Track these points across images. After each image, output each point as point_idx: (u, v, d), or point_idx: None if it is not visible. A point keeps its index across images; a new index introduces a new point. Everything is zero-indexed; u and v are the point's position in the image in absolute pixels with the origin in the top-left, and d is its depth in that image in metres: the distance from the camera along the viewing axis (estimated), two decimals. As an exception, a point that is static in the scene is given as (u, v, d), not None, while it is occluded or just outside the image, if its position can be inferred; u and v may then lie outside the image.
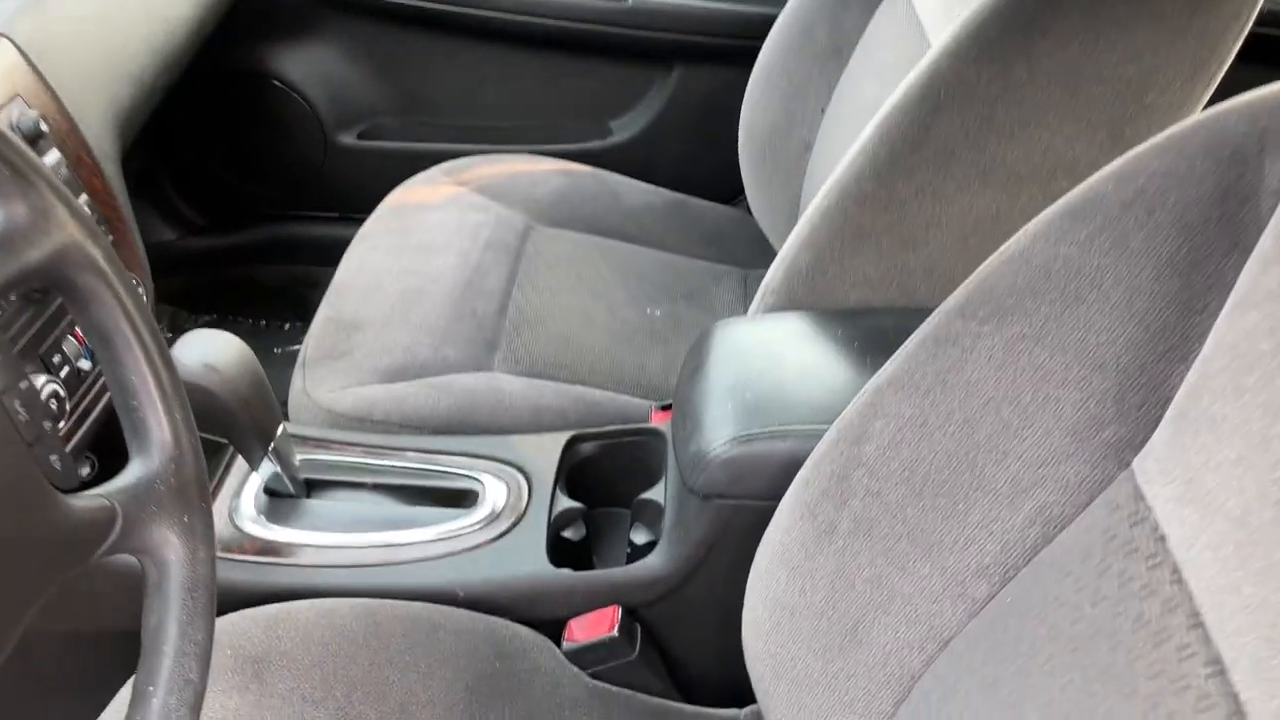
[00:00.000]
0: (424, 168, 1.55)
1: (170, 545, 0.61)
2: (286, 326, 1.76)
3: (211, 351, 0.89)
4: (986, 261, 0.68)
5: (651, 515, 0.98)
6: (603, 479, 1.06)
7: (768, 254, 1.49)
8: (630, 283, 1.38)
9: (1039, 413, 0.64)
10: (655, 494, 0.98)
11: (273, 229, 1.78)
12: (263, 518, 0.97)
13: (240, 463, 1.03)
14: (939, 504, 0.69)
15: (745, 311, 1.39)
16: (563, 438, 1.05)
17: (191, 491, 0.62)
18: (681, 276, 1.42)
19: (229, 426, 0.91)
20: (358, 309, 1.26)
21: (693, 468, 0.86)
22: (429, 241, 1.37)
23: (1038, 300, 0.65)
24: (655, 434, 1.04)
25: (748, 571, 0.82)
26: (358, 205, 1.51)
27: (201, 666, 0.60)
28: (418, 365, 1.18)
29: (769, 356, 0.91)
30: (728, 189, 1.62)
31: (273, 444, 0.94)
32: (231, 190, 1.77)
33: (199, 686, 0.59)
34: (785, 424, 0.84)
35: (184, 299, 1.74)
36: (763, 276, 1.49)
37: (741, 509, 0.86)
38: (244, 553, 0.94)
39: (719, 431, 0.85)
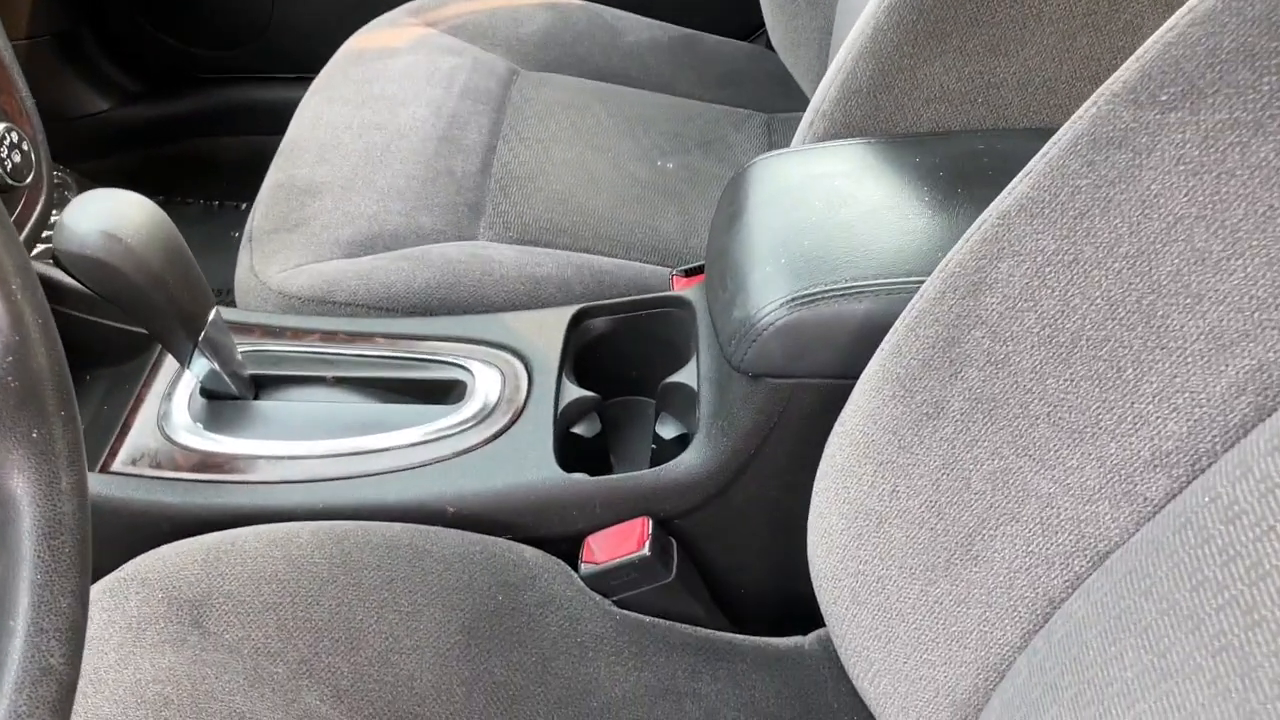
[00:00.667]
0: (387, 10, 1.32)
1: (14, 472, 0.42)
2: (243, 206, 1.54)
3: (113, 216, 0.68)
4: (1168, 26, 0.48)
5: (682, 403, 0.79)
6: (619, 362, 0.87)
7: (792, 95, 1.27)
8: (636, 132, 1.17)
9: (1255, 234, 0.45)
10: (685, 377, 0.79)
11: (219, 94, 1.55)
12: (199, 426, 0.78)
13: (171, 361, 0.84)
14: (1095, 370, 0.50)
15: (772, 161, 1.19)
16: (567, 312, 0.86)
17: (45, 394, 0.43)
18: (695, 123, 1.21)
19: (143, 312, 0.71)
20: (313, 172, 1.05)
21: (738, 340, 0.66)
22: (395, 92, 1.15)
23: (1257, 70, 0.44)
24: (681, 303, 0.84)
25: (813, 469, 0.64)
26: (314, 62, 1.29)
27: (69, 647, 0.41)
28: (387, 236, 0.98)
29: (829, 195, 0.71)
30: (743, 22, 1.39)
31: (203, 332, 0.75)
32: (169, 51, 1.54)
33: (66, 676, 0.41)
34: (858, 279, 0.65)
35: (121, 179, 1.52)
36: (789, 120, 1.28)
37: (804, 390, 0.67)
38: (176, 469, 0.76)
39: (770, 292, 0.66)
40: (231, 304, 0.97)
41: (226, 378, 0.78)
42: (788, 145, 1.26)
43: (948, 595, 0.58)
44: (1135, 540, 0.50)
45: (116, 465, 0.76)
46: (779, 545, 0.74)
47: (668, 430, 0.79)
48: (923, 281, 0.57)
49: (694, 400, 0.77)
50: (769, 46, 1.31)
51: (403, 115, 1.11)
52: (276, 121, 1.44)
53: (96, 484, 0.73)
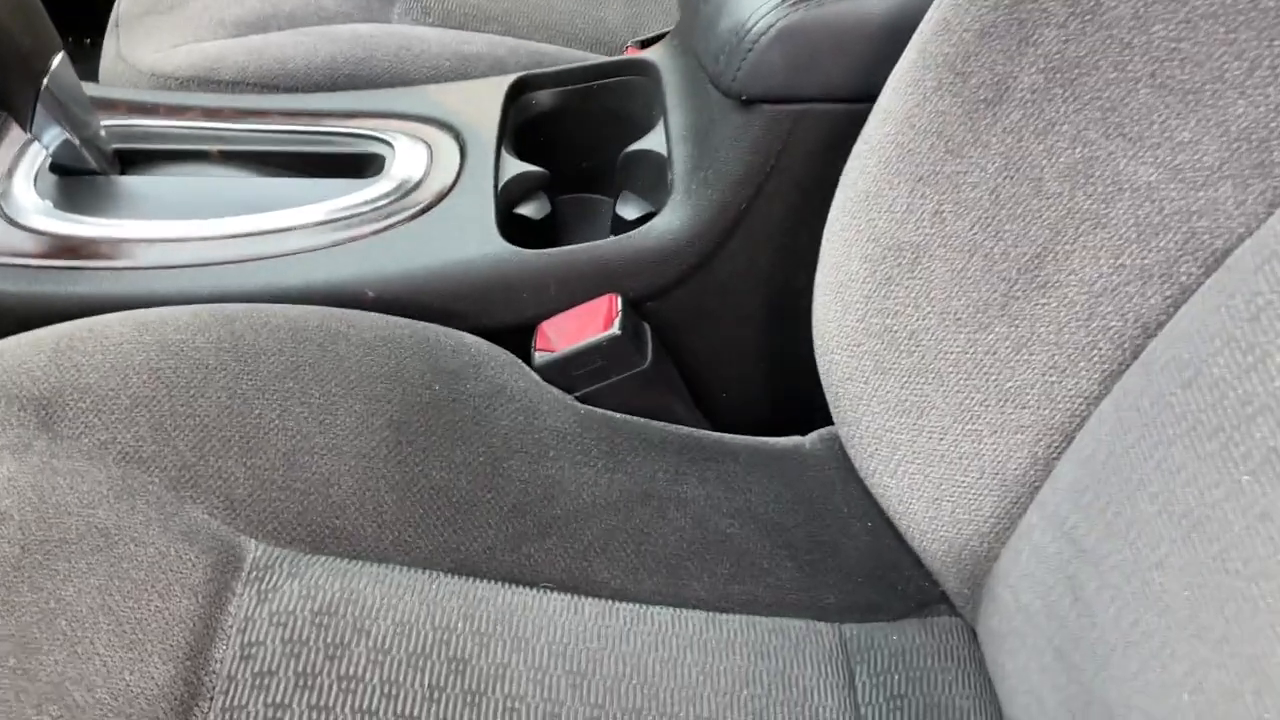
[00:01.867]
0: None
1: None
2: None
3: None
4: None
5: (648, 175, 0.66)
6: (569, 145, 0.73)
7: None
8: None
9: None
10: (651, 143, 0.66)
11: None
12: (49, 204, 0.63)
13: (12, 136, 0.67)
14: (1240, 18, 0.39)
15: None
16: (504, 82, 0.72)
17: None
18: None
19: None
20: (190, -51, 0.88)
21: (728, 54, 0.53)
22: None
23: None
24: (642, 68, 0.71)
25: (818, 222, 0.52)
26: None
27: None
28: (282, 16, 0.82)
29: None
30: None
31: (44, 81, 0.59)
32: None
33: None
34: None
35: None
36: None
37: (810, 118, 0.54)
38: (21, 256, 0.60)
39: (763, -3, 0.52)
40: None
41: (81, 146, 0.63)
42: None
43: (1003, 341, 0.46)
44: (1269, 227, 0.38)
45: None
46: (773, 328, 0.62)
47: (631, 209, 0.66)
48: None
49: (663, 168, 0.64)
50: None
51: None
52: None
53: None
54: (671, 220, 0.59)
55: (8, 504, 0.47)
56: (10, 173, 0.64)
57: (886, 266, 0.49)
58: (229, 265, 0.60)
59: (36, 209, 0.62)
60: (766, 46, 0.52)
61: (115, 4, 0.86)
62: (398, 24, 0.85)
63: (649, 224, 0.60)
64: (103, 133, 0.64)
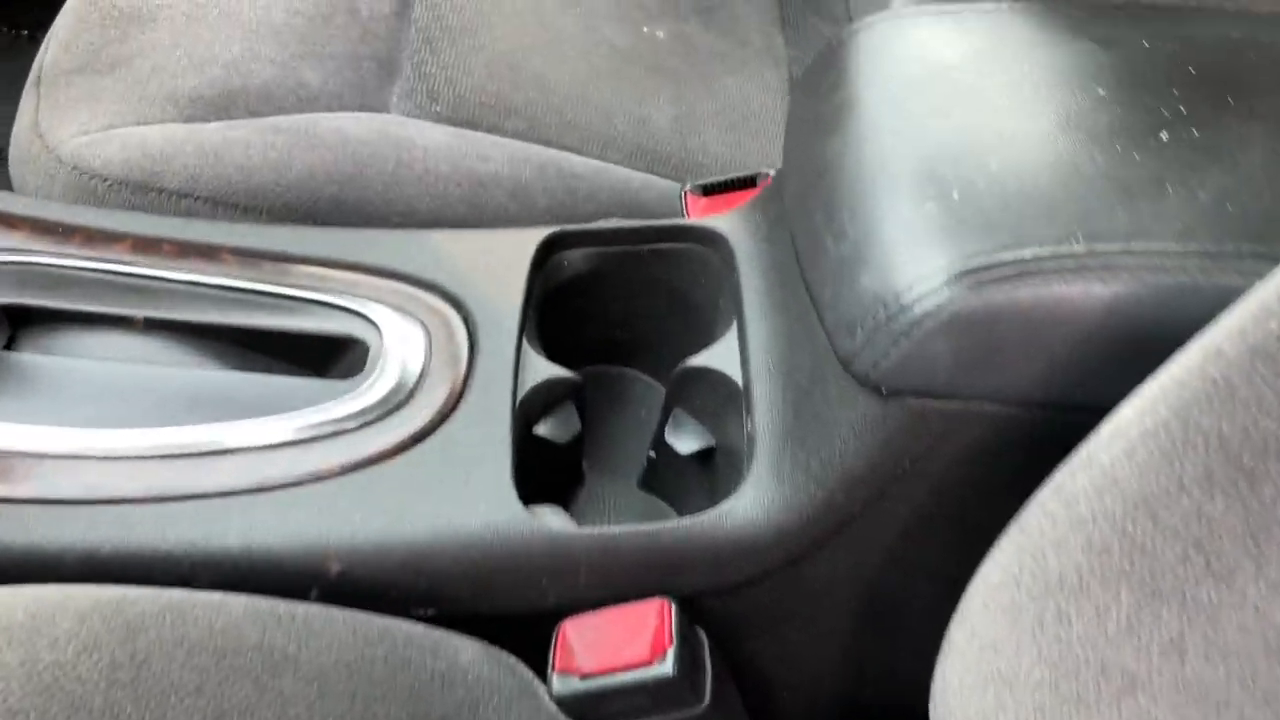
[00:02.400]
0: None
1: None
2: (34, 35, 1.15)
3: None
4: None
5: (710, 400, 0.50)
6: (605, 321, 0.58)
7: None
8: (613, -17, 0.85)
9: None
10: (720, 360, 0.50)
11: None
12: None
13: None
14: None
15: (789, 38, 0.89)
16: (532, 238, 0.55)
17: None
18: (691, -20, 0.89)
19: None
20: (143, -12, 0.70)
21: (872, 333, 0.38)
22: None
23: None
24: (710, 238, 0.55)
25: (964, 544, 0.37)
26: None
27: None
28: (252, 94, 0.65)
29: (1009, 87, 0.42)
30: None
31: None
32: None
33: None
34: (1100, 238, 0.37)
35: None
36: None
37: (976, 420, 0.39)
38: None
39: (930, 254, 0.37)
40: (4, 178, 0.63)
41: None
42: (812, 21, 0.96)
43: None
44: None
45: None
46: (868, 636, 0.47)
47: (685, 439, 0.51)
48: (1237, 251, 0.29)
49: (735, 400, 0.48)
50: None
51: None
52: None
53: None
54: (753, 508, 0.44)
55: None
56: None
57: (1080, 685, 0.34)
58: (139, 505, 0.44)
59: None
60: (931, 336, 0.37)
61: (42, 50, 0.69)
62: (396, 114, 0.68)
63: (721, 509, 0.44)
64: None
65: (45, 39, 0.70)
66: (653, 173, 0.71)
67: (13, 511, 0.43)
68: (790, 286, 0.47)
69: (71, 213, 0.55)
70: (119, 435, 0.46)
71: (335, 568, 0.44)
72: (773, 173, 0.57)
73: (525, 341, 0.52)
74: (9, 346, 0.49)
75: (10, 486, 0.44)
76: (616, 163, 0.70)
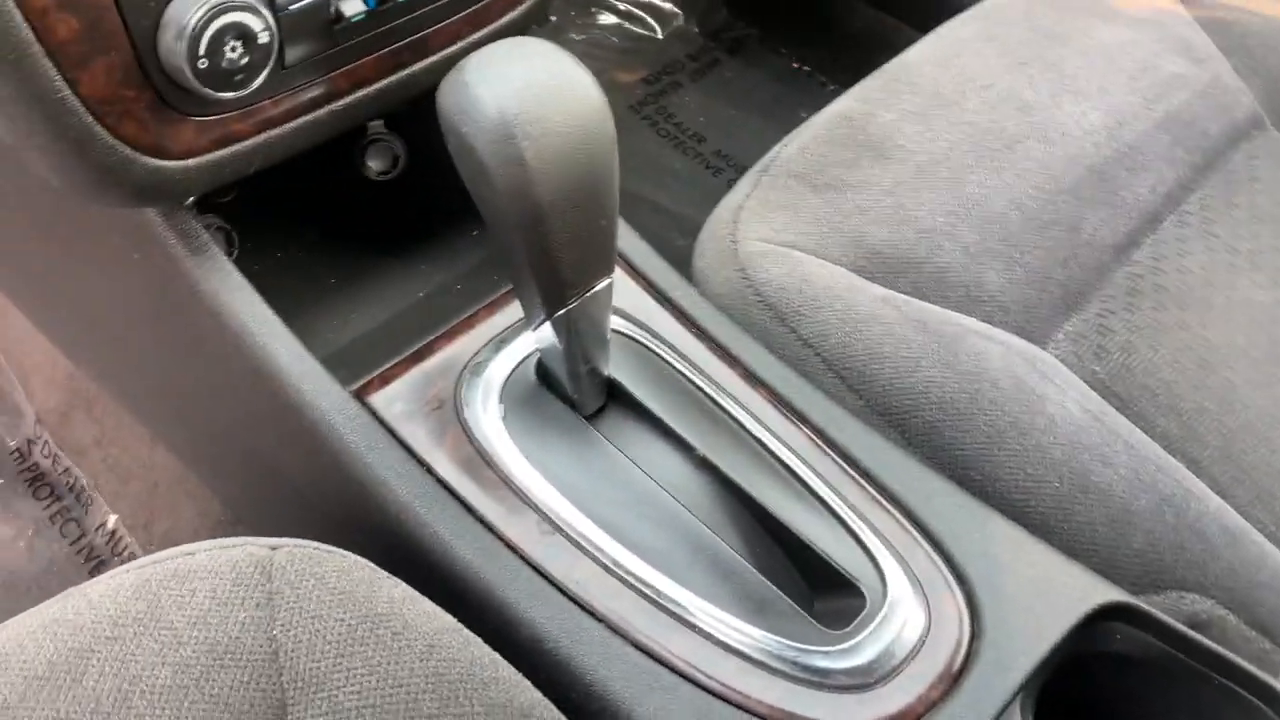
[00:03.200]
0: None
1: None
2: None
3: (532, 96, 0.41)
4: None
5: None
6: (1104, 711, 0.50)
7: None
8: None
9: None
10: None
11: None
12: (500, 424, 0.52)
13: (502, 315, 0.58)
14: None
15: None
16: (1093, 593, 0.49)
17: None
18: None
19: (503, 241, 0.45)
20: (901, 126, 0.72)
21: None
22: (1075, 71, 0.77)
23: None
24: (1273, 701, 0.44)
25: None
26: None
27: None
28: (926, 272, 0.65)
29: None
30: None
31: (568, 308, 0.47)
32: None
33: None
34: None
35: None
36: None
37: None
38: (442, 460, 0.51)
39: None
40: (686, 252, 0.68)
41: (566, 378, 0.51)
42: None
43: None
44: None
45: (376, 399, 0.53)
46: None
47: None
48: None
49: None
50: None
51: (1065, 110, 0.74)
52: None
53: (330, 400, 0.51)
54: None
55: None
56: (499, 344, 0.55)
57: None
58: (598, 621, 0.46)
59: (487, 422, 0.52)
60: None
61: (784, 141, 0.73)
62: (1051, 352, 0.63)
63: None
64: (604, 351, 0.52)
65: (793, 134, 0.74)
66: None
67: (500, 560, 0.48)
68: None
69: (711, 315, 0.59)
70: (623, 552, 0.49)
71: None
72: None
73: (1019, 700, 0.46)
74: (599, 413, 0.54)
75: (529, 543, 0.49)
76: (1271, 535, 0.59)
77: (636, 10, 1.32)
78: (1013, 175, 0.70)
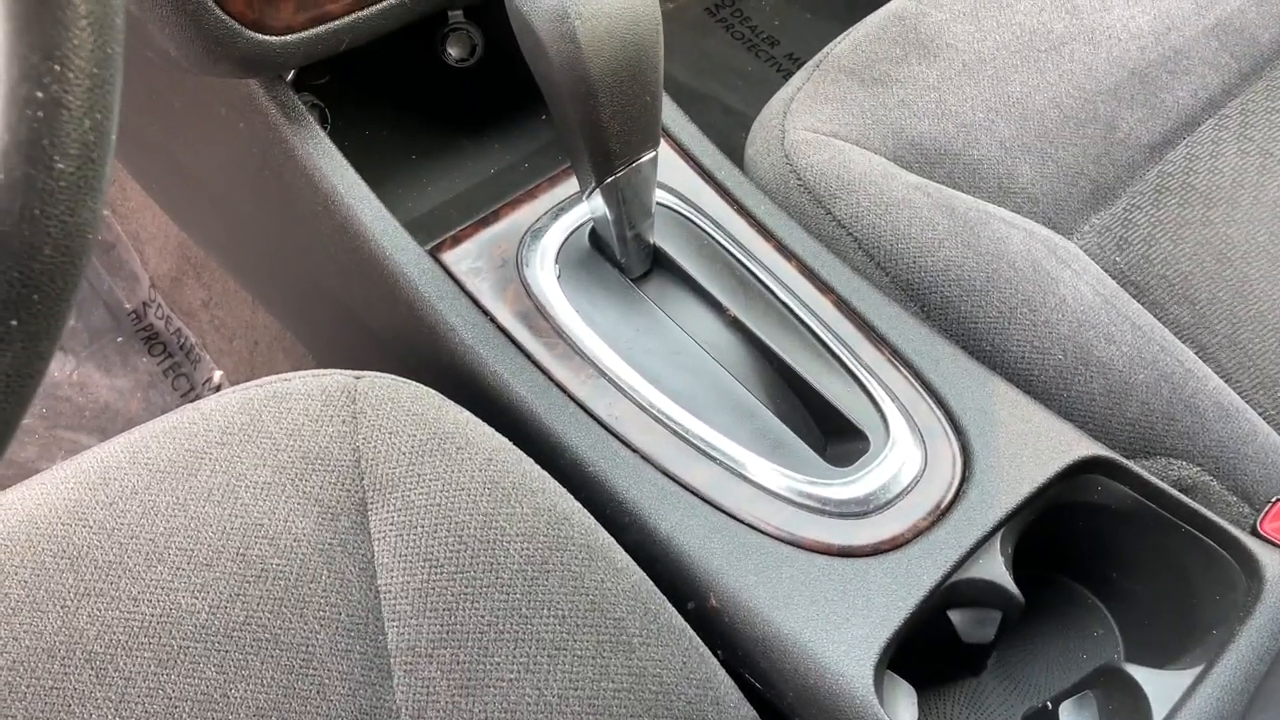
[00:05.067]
0: None
1: None
2: None
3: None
4: None
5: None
6: (1097, 559, 0.55)
7: None
8: None
9: None
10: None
11: None
12: (557, 283, 0.59)
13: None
14: None
15: None
16: (1071, 447, 0.54)
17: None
18: None
19: (559, 115, 0.51)
20: (952, 26, 0.75)
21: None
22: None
23: None
24: (1252, 568, 0.49)
25: None
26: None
27: None
28: (962, 162, 0.69)
29: None
30: None
31: (616, 175, 0.54)
32: None
33: None
34: None
35: None
36: None
37: None
38: (503, 316, 0.58)
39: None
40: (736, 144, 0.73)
41: (615, 242, 0.58)
42: None
43: None
44: None
45: (448, 257, 0.60)
46: None
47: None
48: None
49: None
50: None
51: (1114, 14, 0.76)
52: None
53: (407, 255, 0.58)
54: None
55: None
56: (557, 213, 0.61)
57: None
58: (636, 454, 0.53)
59: (545, 280, 0.59)
60: None
61: (841, 37, 0.77)
62: (1075, 243, 0.67)
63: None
64: (649, 220, 0.58)
65: (848, 31, 0.78)
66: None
67: (549, 407, 0.55)
68: None
69: (751, 194, 0.64)
70: (656, 394, 0.55)
71: (713, 603, 0.50)
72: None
73: (1000, 535, 0.52)
74: (645, 276, 0.60)
75: (573, 385, 0.56)
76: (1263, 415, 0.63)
77: (718, -87, 1.34)
78: (1055, 75, 0.73)
